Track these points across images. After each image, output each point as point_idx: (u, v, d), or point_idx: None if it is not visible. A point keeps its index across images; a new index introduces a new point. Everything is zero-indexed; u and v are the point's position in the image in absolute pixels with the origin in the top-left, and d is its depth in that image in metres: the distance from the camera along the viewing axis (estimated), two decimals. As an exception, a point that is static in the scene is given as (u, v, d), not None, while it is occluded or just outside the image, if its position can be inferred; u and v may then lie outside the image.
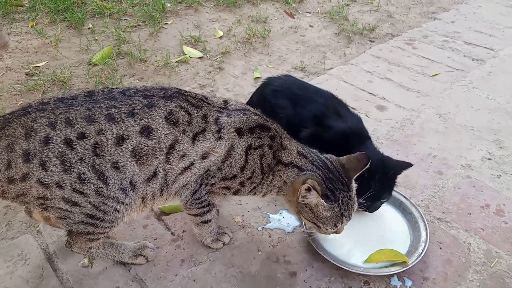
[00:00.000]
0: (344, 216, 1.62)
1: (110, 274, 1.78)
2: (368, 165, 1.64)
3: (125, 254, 1.79)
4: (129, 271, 1.79)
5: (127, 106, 1.48)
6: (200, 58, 3.49)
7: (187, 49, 3.55)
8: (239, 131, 1.58)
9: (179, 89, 1.61)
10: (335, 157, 1.70)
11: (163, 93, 1.55)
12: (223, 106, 1.63)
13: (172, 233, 1.97)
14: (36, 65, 3.28)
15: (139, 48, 3.49)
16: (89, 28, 3.81)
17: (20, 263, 1.82)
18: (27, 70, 3.21)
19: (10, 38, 3.58)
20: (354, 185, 1.67)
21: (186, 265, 1.82)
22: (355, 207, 1.67)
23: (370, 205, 1.92)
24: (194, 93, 1.64)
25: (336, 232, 1.69)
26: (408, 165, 1.92)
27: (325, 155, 1.70)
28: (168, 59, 3.39)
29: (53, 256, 1.85)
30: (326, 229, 1.64)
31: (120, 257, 1.79)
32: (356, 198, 1.68)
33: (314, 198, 1.55)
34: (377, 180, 1.83)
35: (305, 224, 1.73)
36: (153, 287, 1.74)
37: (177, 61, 3.41)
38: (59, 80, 3.06)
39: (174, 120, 1.51)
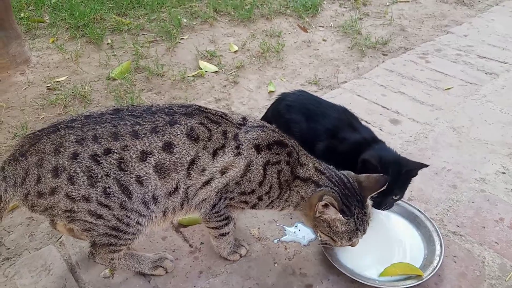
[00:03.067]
0: (359, 230, 1.66)
1: (131, 284, 1.83)
2: (384, 187, 1.68)
3: (145, 265, 1.84)
4: (149, 282, 1.84)
5: (150, 123, 1.54)
6: (216, 72, 3.57)
7: (203, 64, 3.63)
8: (257, 147, 1.63)
9: (200, 106, 1.67)
10: (352, 173, 1.74)
11: (185, 110, 1.61)
12: (242, 123, 1.69)
13: (190, 245, 2.02)
14: (57, 79, 3.38)
15: (156, 63, 3.58)
16: (108, 43, 3.92)
17: (44, 273, 1.88)
18: (49, 85, 3.31)
19: (32, 54, 3.70)
20: (369, 203, 1.71)
21: (204, 277, 1.86)
22: (370, 222, 1.71)
23: (382, 201, 1.92)
24: (214, 110, 1.70)
25: (351, 245, 1.73)
26: (422, 165, 1.95)
27: (342, 171, 1.74)
28: (184, 74, 3.47)
29: (75, 267, 1.91)
30: (341, 243, 1.69)
31: (140, 268, 1.84)
32: (371, 214, 1.71)
33: (332, 213, 1.59)
34: (390, 174, 1.81)
35: (320, 236, 1.77)
36: (172, 298, 1.79)
37: (193, 76, 3.49)
38: (79, 95, 3.15)
39: (195, 136, 1.56)
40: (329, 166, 1.75)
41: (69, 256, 1.96)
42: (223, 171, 1.60)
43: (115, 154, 1.48)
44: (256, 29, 4.30)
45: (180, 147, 1.54)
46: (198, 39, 4.07)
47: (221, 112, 1.70)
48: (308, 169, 1.71)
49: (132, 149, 1.50)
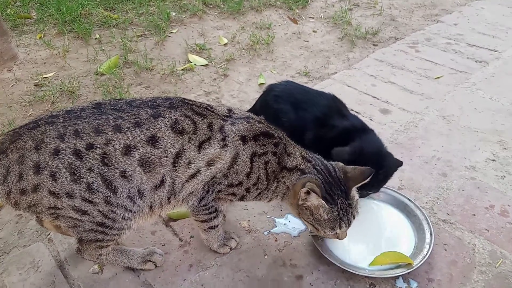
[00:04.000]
0: (343, 221, 1.65)
1: (120, 280, 1.82)
2: (368, 179, 1.67)
3: (134, 260, 1.83)
4: (139, 276, 1.83)
5: (133, 117, 1.51)
6: (205, 65, 3.54)
7: (192, 57, 3.60)
8: (243, 139, 1.62)
9: (184, 99, 1.66)
10: (341, 164, 1.73)
11: (168, 103, 1.59)
12: (228, 115, 1.67)
13: (180, 239, 2.01)
14: (45, 76, 3.35)
15: (145, 57, 3.55)
16: (96, 38, 3.88)
17: (32, 270, 1.87)
18: (36, 81, 3.28)
19: (19, 50, 3.65)
20: (355, 195, 1.70)
21: (194, 270, 1.85)
22: (356, 215, 1.70)
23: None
24: (199, 102, 1.68)
25: (338, 238, 1.72)
26: (399, 163, 1.96)
27: (330, 162, 1.73)
28: (173, 67, 3.44)
29: (64, 263, 1.89)
30: (324, 232, 1.68)
31: (129, 263, 1.82)
32: (357, 207, 1.70)
33: (314, 200, 1.58)
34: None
35: (306, 226, 1.77)
36: (162, 292, 1.77)
37: (182, 69, 3.46)
38: (67, 90, 3.12)
39: (180, 129, 1.54)
40: (316, 155, 1.74)
41: (57, 253, 1.94)
42: (209, 164, 1.59)
43: (98, 149, 1.46)
44: (246, 22, 4.27)
45: (165, 140, 1.52)
46: (187, 32, 4.04)
47: (206, 104, 1.69)
48: (295, 158, 1.70)
49: (115, 143, 1.47)
